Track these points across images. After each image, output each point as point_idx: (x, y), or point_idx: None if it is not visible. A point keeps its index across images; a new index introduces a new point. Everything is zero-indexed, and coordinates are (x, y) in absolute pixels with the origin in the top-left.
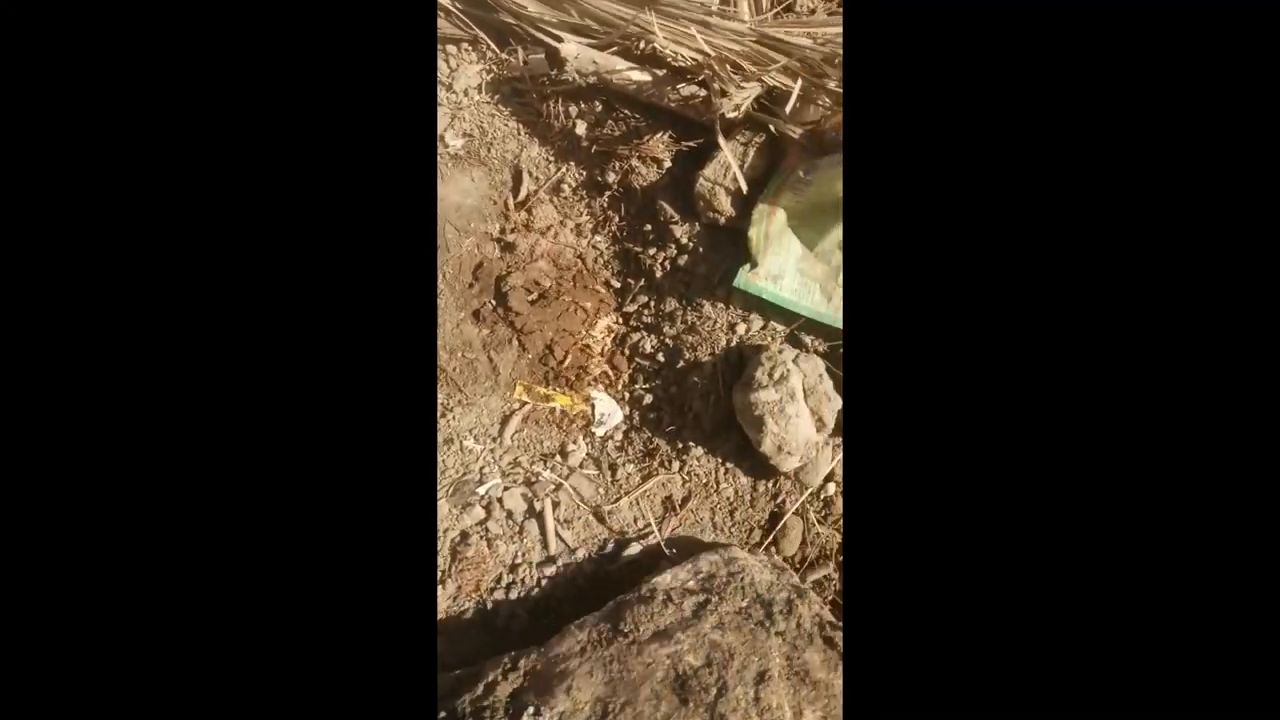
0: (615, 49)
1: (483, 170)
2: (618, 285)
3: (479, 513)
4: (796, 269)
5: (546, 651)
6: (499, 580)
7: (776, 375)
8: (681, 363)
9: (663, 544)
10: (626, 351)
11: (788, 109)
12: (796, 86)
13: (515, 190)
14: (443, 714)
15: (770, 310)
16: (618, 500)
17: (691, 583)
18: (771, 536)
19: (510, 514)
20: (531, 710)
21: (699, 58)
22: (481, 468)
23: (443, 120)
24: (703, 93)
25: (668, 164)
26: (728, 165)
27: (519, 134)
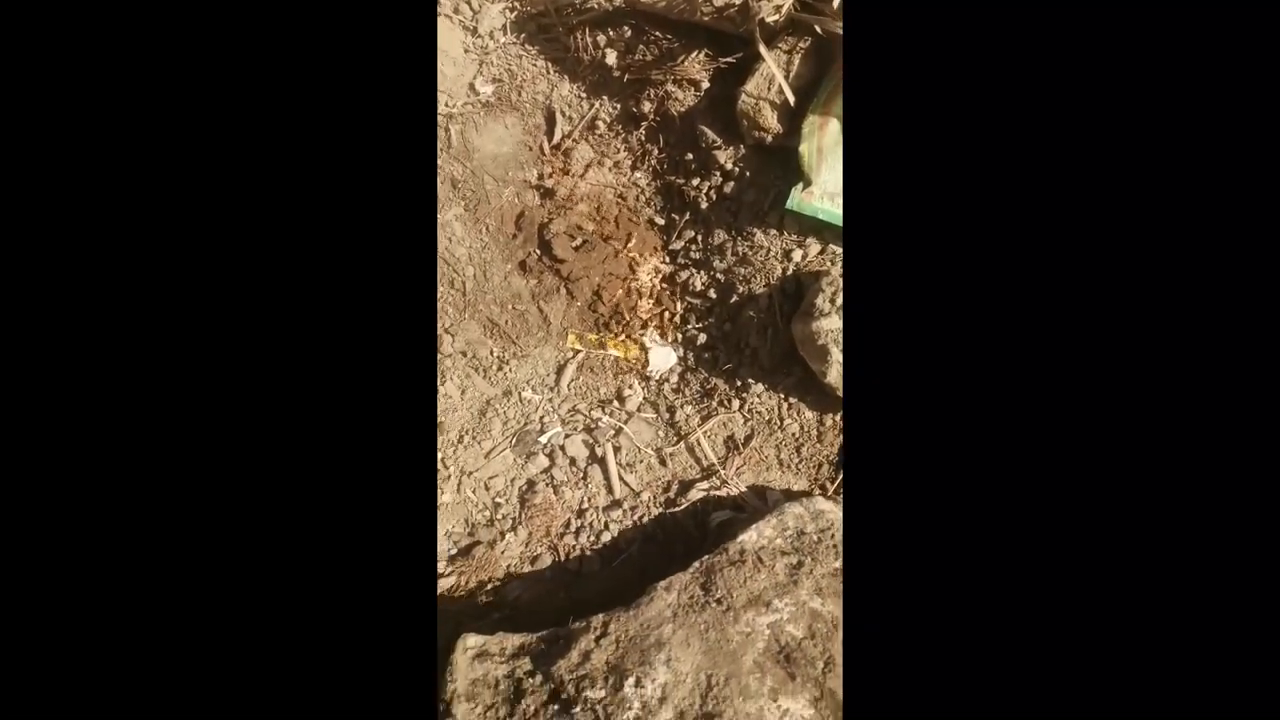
0: None
1: (515, 115)
2: (662, 222)
3: (543, 461)
4: None
5: (637, 615)
6: (567, 525)
7: (839, 301)
8: (735, 297)
9: (729, 484)
10: (676, 291)
11: (834, 3)
12: None
13: (549, 133)
14: (539, 677)
15: (828, 232)
16: (678, 442)
17: (780, 541)
18: (843, 477)
19: (573, 460)
20: (633, 681)
21: None
22: (542, 417)
23: (471, 67)
24: (737, 2)
25: (705, 85)
26: (772, 77)
27: (548, 73)
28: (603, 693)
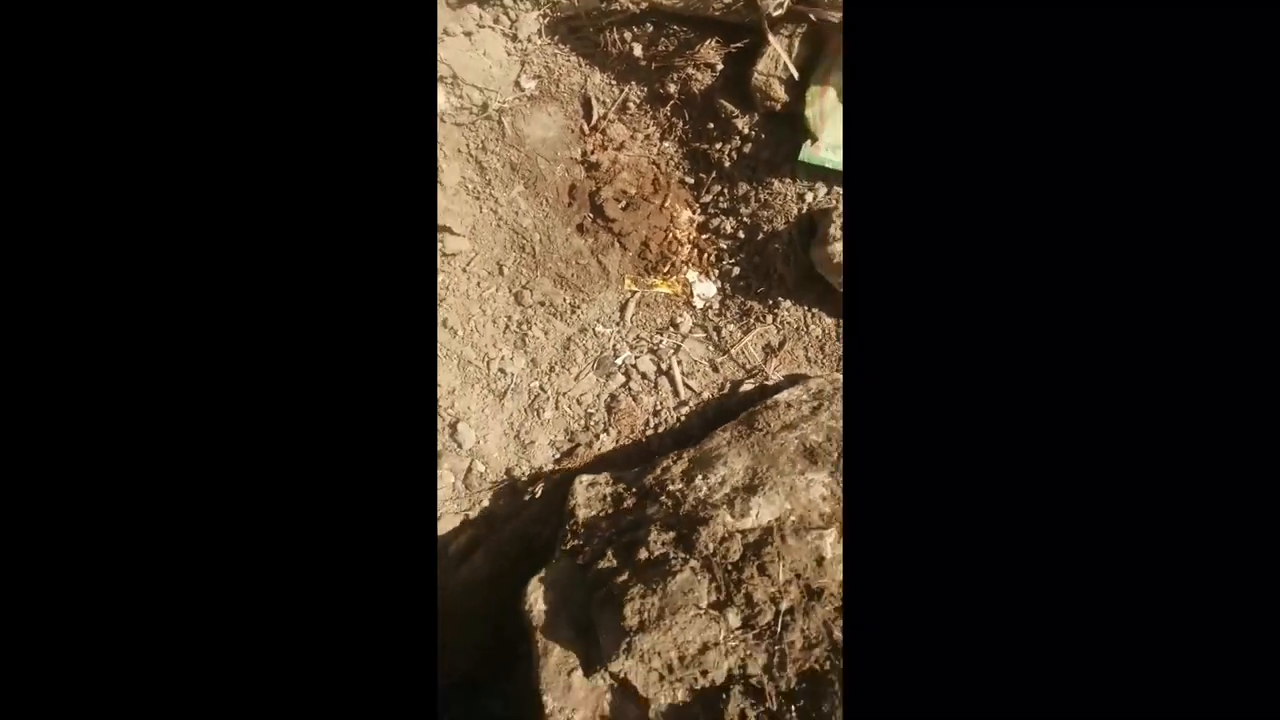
0: None
1: (556, 104)
2: (692, 181)
3: (620, 378)
4: None
5: (701, 446)
6: (647, 423)
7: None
8: (760, 235)
9: (770, 378)
10: (710, 235)
11: None
12: None
13: (587, 116)
14: (633, 489)
15: (833, 177)
16: (726, 353)
17: (804, 395)
18: None
19: (644, 375)
20: (700, 477)
21: None
22: (614, 345)
23: (514, 67)
24: None
25: (720, 67)
26: (778, 57)
27: (581, 66)
28: (679, 485)
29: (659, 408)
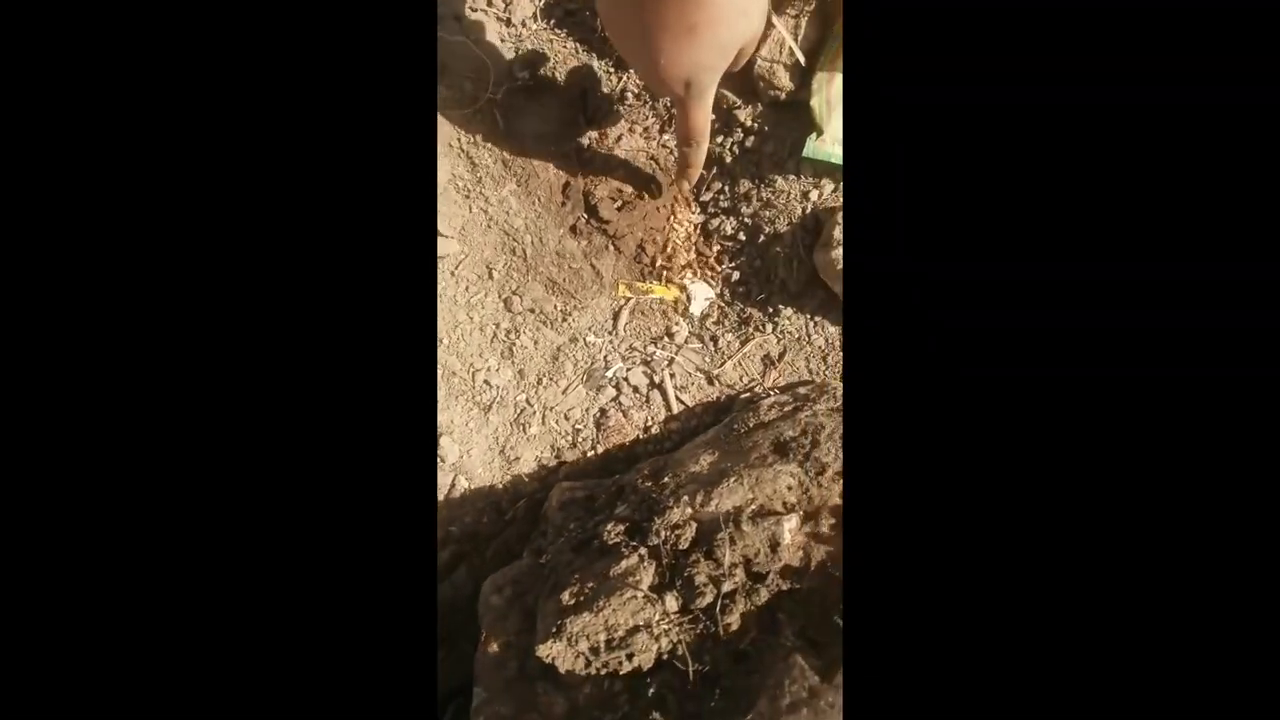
0: None
1: (551, 95)
2: None
3: (611, 392)
4: None
5: (676, 451)
6: (637, 439)
7: None
8: (762, 237)
9: (766, 390)
10: (710, 236)
11: None
12: None
13: (584, 108)
14: (608, 489)
15: (840, 173)
16: (722, 364)
17: (786, 399)
18: None
19: (636, 389)
20: (669, 475)
21: None
22: (605, 356)
23: (508, 53)
24: None
25: None
26: (783, 41)
27: (579, 53)
28: (647, 484)
29: (650, 423)
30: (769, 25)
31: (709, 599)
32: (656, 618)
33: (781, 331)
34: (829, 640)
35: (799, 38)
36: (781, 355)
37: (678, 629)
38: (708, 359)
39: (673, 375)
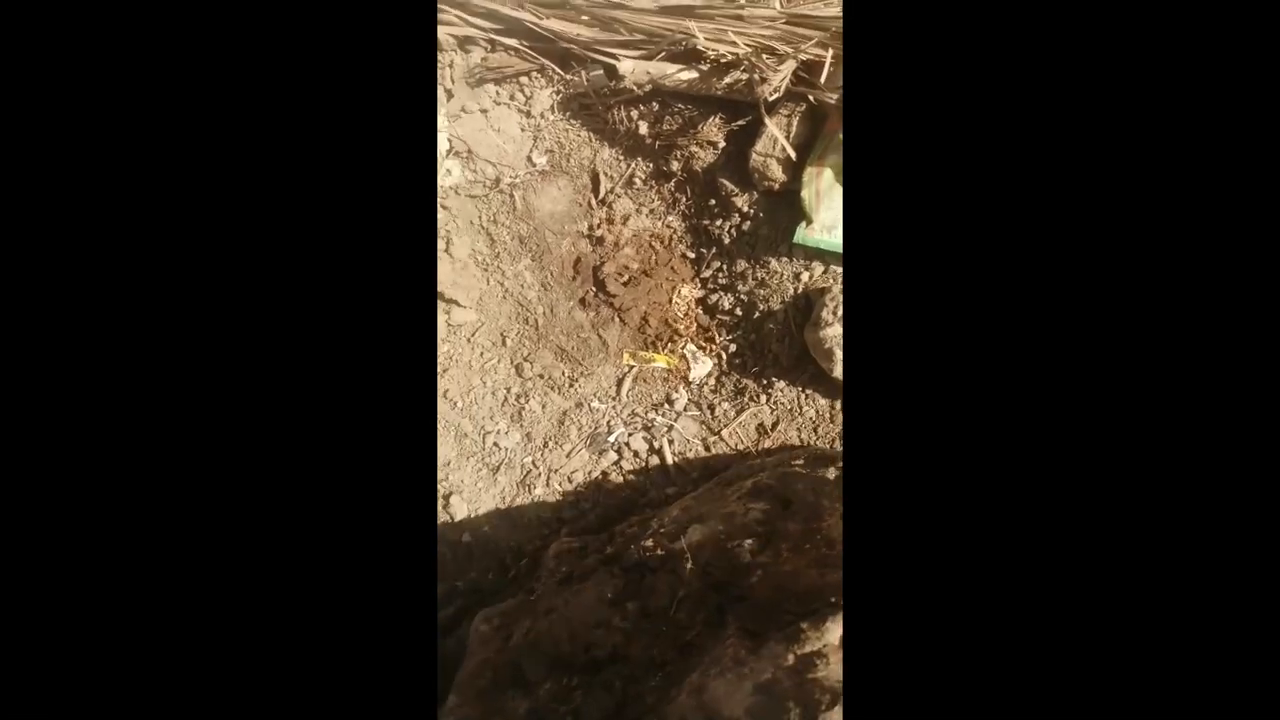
0: (664, 55)
1: (566, 179)
2: (693, 256)
3: (612, 456)
4: None
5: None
6: (634, 502)
7: (840, 312)
8: (757, 313)
9: (759, 455)
10: (709, 311)
11: (822, 78)
12: (828, 57)
13: (595, 190)
14: (598, 543)
15: (829, 257)
16: (719, 432)
17: (775, 459)
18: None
19: (636, 453)
20: (654, 521)
21: (737, 51)
22: (608, 421)
23: (527, 143)
24: (745, 77)
25: (722, 144)
26: (775, 139)
27: (591, 141)
28: (633, 530)
29: (648, 487)
30: (762, 124)
31: (665, 601)
32: (617, 619)
33: (775, 402)
34: (766, 630)
35: (790, 135)
36: (775, 424)
37: (633, 627)
38: (704, 426)
39: (671, 441)
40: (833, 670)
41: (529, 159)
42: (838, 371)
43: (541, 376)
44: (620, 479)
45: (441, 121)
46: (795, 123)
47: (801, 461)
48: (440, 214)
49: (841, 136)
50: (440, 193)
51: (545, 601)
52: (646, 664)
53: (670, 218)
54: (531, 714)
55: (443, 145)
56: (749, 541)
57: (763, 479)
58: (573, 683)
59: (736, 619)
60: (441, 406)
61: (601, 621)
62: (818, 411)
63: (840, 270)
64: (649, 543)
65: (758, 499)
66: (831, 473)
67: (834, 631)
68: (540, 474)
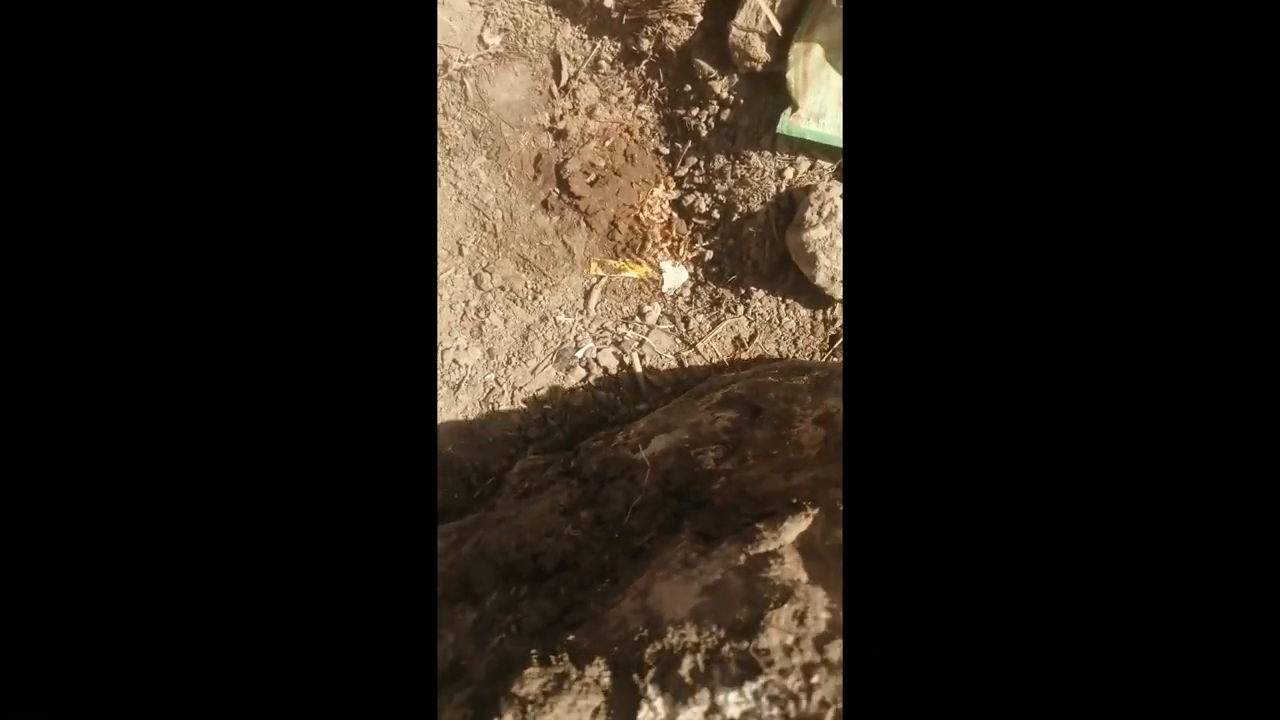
0: None
1: (524, 62)
2: (666, 151)
3: (580, 372)
4: (838, 104)
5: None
6: (604, 420)
7: (825, 212)
8: (736, 216)
9: (734, 368)
10: (684, 214)
11: None
12: None
13: (557, 76)
14: (562, 459)
15: (816, 150)
16: (694, 345)
17: (749, 371)
18: (830, 353)
19: (606, 370)
20: (620, 434)
21: None
22: (575, 336)
23: (478, 20)
24: None
25: (699, 19)
26: (759, 9)
27: (550, 18)
28: (598, 443)
29: (618, 403)
30: None
31: (618, 509)
32: (569, 528)
33: (753, 314)
34: (721, 533)
35: (776, 5)
36: (752, 337)
37: (585, 535)
38: (679, 340)
39: (643, 356)
40: (786, 569)
41: (480, 39)
42: (821, 278)
43: (503, 288)
44: (589, 395)
45: None
46: None
47: (777, 370)
48: None
49: (833, 1)
50: None
51: (499, 514)
52: (596, 571)
53: (641, 107)
54: (478, 624)
55: None
56: (713, 449)
57: (734, 389)
58: (520, 592)
59: (693, 524)
60: None
61: (553, 530)
62: (798, 323)
63: (827, 165)
64: (609, 453)
65: (727, 408)
66: (807, 380)
67: (790, 531)
68: (504, 392)
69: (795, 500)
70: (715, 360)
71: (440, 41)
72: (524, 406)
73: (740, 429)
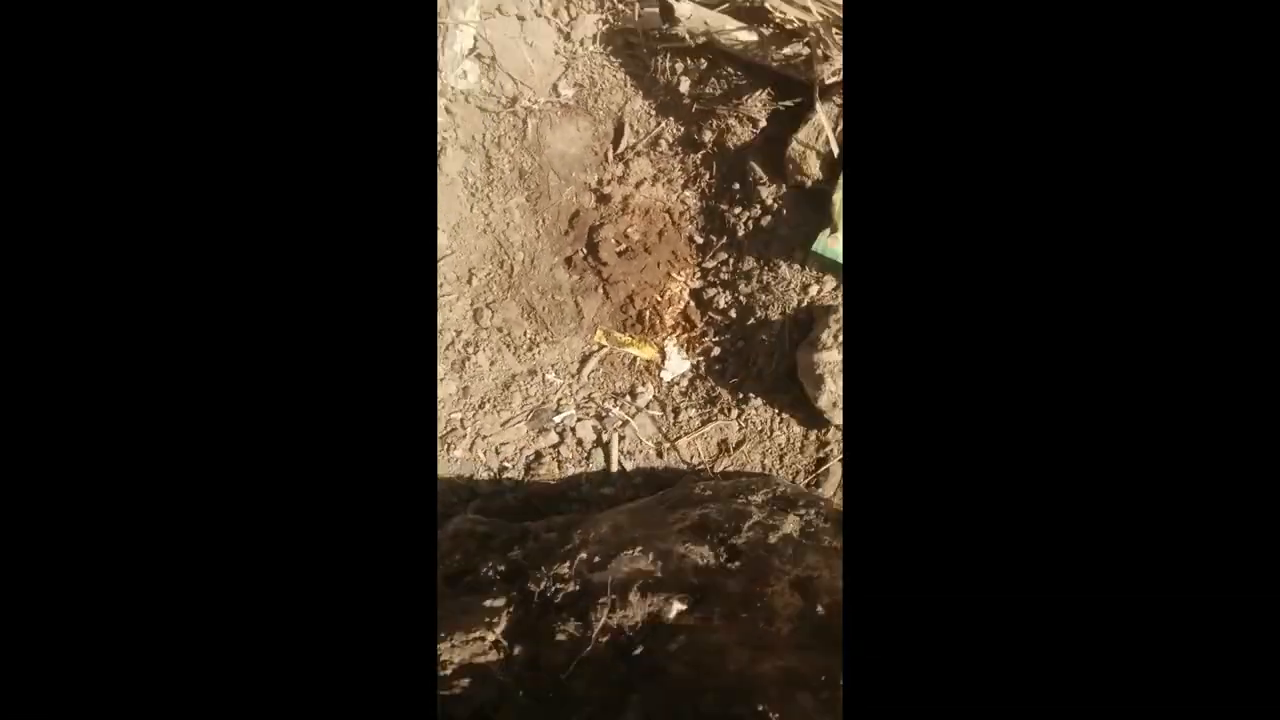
0: (726, 7)
1: (589, 120)
2: (700, 241)
3: (553, 437)
4: None
5: (600, 514)
6: (564, 495)
7: (841, 337)
8: (752, 320)
9: (713, 474)
10: (702, 306)
11: None
12: None
13: (616, 142)
14: (509, 534)
15: (844, 274)
16: (677, 439)
17: (728, 485)
18: (815, 476)
19: (580, 442)
20: (577, 531)
21: (804, 18)
22: (559, 399)
23: (558, 69)
24: (805, 52)
25: (763, 124)
26: (821, 128)
27: (625, 85)
28: (551, 535)
29: (582, 481)
30: (811, 109)
31: (560, 658)
32: (496, 667)
33: (746, 420)
34: None
35: (838, 129)
36: (739, 444)
37: (513, 680)
38: (663, 430)
39: (623, 438)
40: None
41: (555, 87)
42: (823, 401)
43: (500, 330)
44: (554, 465)
45: (472, 13)
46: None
47: (760, 500)
48: (441, 118)
49: None
50: (449, 94)
51: None
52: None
53: (687, 193)
54: None
55: (466, 42)
56: (679, 596)
57: (712, 514)
58: None
59: (643, 703)
60: None
61: (478, 667)
62: (789, 439)
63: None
64: (565, 568)
65: (700, 539)
66: (791, 524)
67: None
68: (465, 435)
69: (760, 708)
70: (695, 461)
71: (517, 76)
72: (482, 456)
73: (711, 573)
